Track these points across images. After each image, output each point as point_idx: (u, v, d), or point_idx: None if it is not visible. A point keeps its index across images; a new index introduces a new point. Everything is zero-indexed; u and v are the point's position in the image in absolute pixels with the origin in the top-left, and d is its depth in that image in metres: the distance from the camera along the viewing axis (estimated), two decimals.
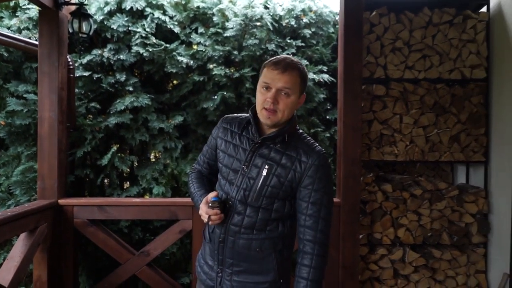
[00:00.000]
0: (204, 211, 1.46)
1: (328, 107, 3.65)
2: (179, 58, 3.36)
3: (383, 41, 3.13)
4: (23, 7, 3.45)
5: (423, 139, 3.13)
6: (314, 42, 3.70)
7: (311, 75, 3.45)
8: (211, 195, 1.46)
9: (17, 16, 3.46)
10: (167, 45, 3.38)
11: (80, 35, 2.94)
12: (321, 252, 1.46)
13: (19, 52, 3.37)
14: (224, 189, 1.53)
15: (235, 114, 1.62)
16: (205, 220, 1.46)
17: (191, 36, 3.49)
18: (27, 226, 2.54)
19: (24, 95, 3.24)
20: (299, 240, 1.50)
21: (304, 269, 1.45)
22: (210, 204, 1.45)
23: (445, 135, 3.14)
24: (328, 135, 3.49)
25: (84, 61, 3.30)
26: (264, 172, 1.46)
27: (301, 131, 1.56)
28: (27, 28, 3.40)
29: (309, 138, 1.54)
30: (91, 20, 2.99)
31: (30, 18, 3.43)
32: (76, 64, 3.30)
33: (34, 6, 3.38)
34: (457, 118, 3.14)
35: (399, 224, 3.08)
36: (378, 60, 3.13)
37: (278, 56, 1.48)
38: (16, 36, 3.12)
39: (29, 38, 3.27)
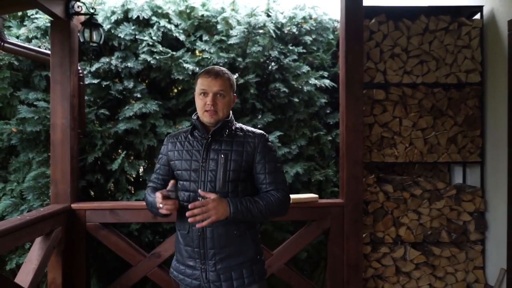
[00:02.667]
0: (159, 200, 1.61)
1: (329, 111, 3.78)
2: (185, 65, 3.46)
3: (382, 47, 3.26)
4: (31, 16, 3.54)
5: (422, 141, 3.26)
6: (315, 48, 3.83)
7: (312, 81, 3.57)
8: (170, 185, 1.63)
9: (25, 25, 3.54)
10: (173, 53, 3.48)
11: (91, 44, 3.03)
12: (282, 197, 1.71)
13: (29, 60, 3.45)
14: (190, 188, 1.70)
15: (176, 131, 1.88)
16: (164, 209, 1.61)
17: (196, 43, 3.60)
18: (43, 230, 2.62)
19: (35, 103, 3.33)
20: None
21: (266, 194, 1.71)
22: (169, 193, 1.61)
23: (442, 137, 3.27)
24: (330, 138, 3.61)
25: (93, 69, 3.39)
26: (222, 161, 1.68)
27: (240, 124, 1.82)
28: (36, 37, 3.49)
29: (248, 127, 1.81)
30: (101, 30, 3.09)
31: (38, 27, 3.51)
32: (85, 72, 3.39)
33: (42, 16, 3.47)
34: (453, 121, 3.28)
35: (400, 223, 3.20)
36: (377, 66, 3.26)
37: (207, 67, 1.76)
38: (27, 45, 3.21)
39: (39, 47, 3.35)
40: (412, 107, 3.27)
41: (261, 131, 1.79)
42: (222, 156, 1.68)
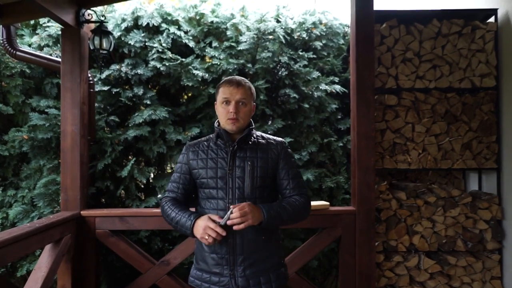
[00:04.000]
0: (213, 229, 1.60)
1: (340, 117, 3.73)
2: (195, 72, 3.45)
3: (394, 52, 3.21)
4: (43, 25, 3.58)
5: (436, 147, 3.19)
6: (325, 53, 3.80)
7: (323, 86, 3.53)
8: (216, 218, 1.64)
9: (37, 34, 3.58)
10: (183, 59, 3.48)
11: (101, 51, 3.04)
12: (306, 201, 1.78)
13: (40, 68, 3.49)
14: (218, 196, 1.72)
15: (195, 140, 1.87)
16: (209, 241, 1.61)
17: (206, 50, 3.60)
18: (53, 237, 2.62)
19: (46, 110, 3.35)
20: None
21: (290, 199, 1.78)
22: (220, 222, 1.61)
23: (457, 143, 3.19)
24: (341, 144, 3.56)
25: (103, 76, 3.41)
26: (249, 168, 1.72)
27: (260, 132, 1.88)
28: (48, 45, 3.53)
29: (268, 134, 1.88)
30: (111, 37, 3.11)
31: (50, 36, 3.55)
32: (95, 79, 3.41)
33: (54, 24, 3.51)
34: (468, 126, 3.20)
35: (413, 231, 3.12)
36: (389, 71, 3.21)
37: (229, 77, 1.79)
38: (39, 53, 3.24)
39: (50, 55, 3.38)
40: (425, 112, 3.20)
41: (281, 139, 1.86)
42: (249, 163, 1.72)
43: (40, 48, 3.52)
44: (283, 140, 1.86)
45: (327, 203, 3.01)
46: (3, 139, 3.39)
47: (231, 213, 1.60)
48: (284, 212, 1.70)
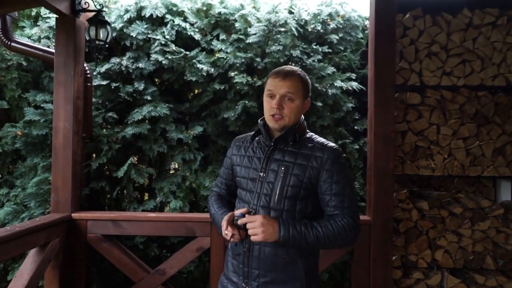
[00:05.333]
0: (224, 227, 1.50)
1: (357, 117, 3.42)
2: (199, 66, 3.21)
3: (418, 45, 2.88)
4: (44, 16, 3.41)
5: (463, 152, 2.85)
6: (342, 48, 3.49)
7: (338, 83, 3.24)
8: (238, 212, 1.49)
9: (38, 26, 3.42)
10: (187, 53, 3.25)
11: (97, 42, 2.84)
12: (347, 225, 1.45)
13: (39, 61, 3.32)
14: (245, 199, 1.56)
15: (244, 134, 1.73)
16: (228, 237, 1.49)
17: (212, 43, 3.35)
18: (37, 242, 2.42)
19: (42, 105, 3.17)
20: None
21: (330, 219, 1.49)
22: (235, 218, 1.48)
23: (488, 147, 2.84)
24: (357, 147, 3.25)
25: (102, 69, 3.21)
26: (282, 174, 1.50)
27: (312, 133, 1.63)
28: (47, 37, 3.35)
29: (320, 138, 1.62)
30: (108, 27, 2.90)
31: (50, 27, 3.38)
32: (94, 73, 3.21)
33: (55, 16, 3.33)
34: (501, 129, 2.85)
35: (436, 246, 2.79)
36: (412, 66, 2.88)
37: (279, 67, 1.59)
38: (34, 44, 3.06)
39: (48, 47, 3.20)
40: (452, 113, 2.86)
41: (333, 145, 1.58)
42: (283, 168, 1.51)
43: (40, 40, 3.35)
44: (335, 146, 1.56)
45: None
46: None
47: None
48: (311, 233, 1.43)
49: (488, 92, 2.87)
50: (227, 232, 1.48)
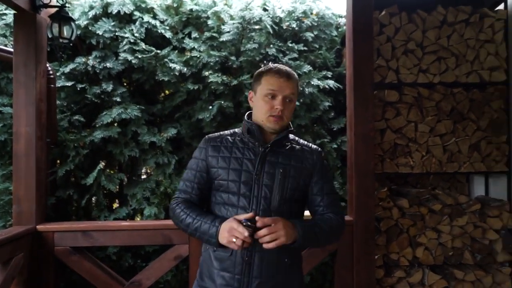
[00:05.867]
0: (241, 232, 1.30)
1: (333, 116, 3.38)
2: (171, 65, 3.08)
3: (395, 42, 2.87)
4: None
5: (441, 149, 2.86)
6: (317, 46, 3.45)
7: (315, 81, 3.19)
8: (243, 217, 1.34)
9: None
10: (158, 51, 3.10)
11: (61, 40, 2.64)
12: (340, 222, 1.51)
13: None
14: (238, 203, 1.44)
15: (216, 133, 1.58)
16: (237, 244, 1.31)
17: (184, 41, 3.22)
18: (0, 258, 2.21)
19: (0, 109, 2.93)
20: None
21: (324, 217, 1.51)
22: (248, 223, 1.32)
23: (464, 143, 2.87)
24: (335, 146, 3.21)
25: (67, 70, 3.01)
26: (280, 176, 1.45)
27: (291, 134, 1.58)
28: (4, 36, 3.11)
29: (301, 139, 1.62)
30: (73, 24, 2.70)
31: (7, 25, 3.14)
32: (57, 74, 3.01)
33: (12, 12, 3.08)
34: (476, 125, 2.88)
35: (417, 243, 2.79)
36: (389, 63, 2.87)
37: (275, 65, 1.51)
38: None
39: (5, 45, 2.97)
40: (429, 110, 2.87)
41: (316, 146, 1.62)
42: (281, 170, 1.46)
43: None
44: (319, 148, 1.60)
45: None
46: None
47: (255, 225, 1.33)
48: (321, 232, 1.43)
49: (462, 89, 2.90)
50: (246, 238, 1.31)
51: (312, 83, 3.17)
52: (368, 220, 2.62)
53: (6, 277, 2.23)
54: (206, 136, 1.57)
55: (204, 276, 1.49)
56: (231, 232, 1.32)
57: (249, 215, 1.36)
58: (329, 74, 3.30)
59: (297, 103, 3.16)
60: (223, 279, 1.42)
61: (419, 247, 2.79)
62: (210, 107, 3.09)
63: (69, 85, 2.99)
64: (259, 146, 1.47)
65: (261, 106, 1.47)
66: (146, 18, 3.16)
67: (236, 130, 1.58)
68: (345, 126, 3.29)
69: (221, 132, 1.57)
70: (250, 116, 1.55)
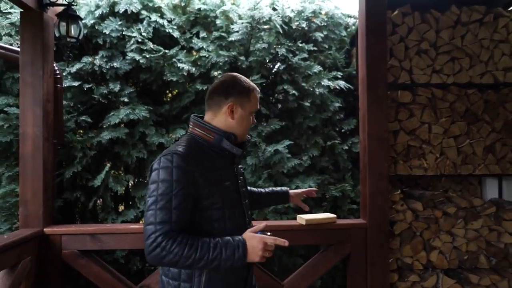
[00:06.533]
0: (272, 240, 1.33)
1: (343, 117, 3.33)
2: (180, 65, 3.02)
3: (408, 42, 2.82)
4: (4, 11, 3.11)
5: (455, 151, 2.81)
6: (326, 46, 3.40)
7: (325, 82, 3.13)
8: (261, 228, 1.37)
9: None
10: (166, 51, 3.04)
11: (68, 39, 2.59)
12: None
13: (0, 61, 3.01)
14: (237, 215, 1.44)
15: (181, 148, 1.36)
16: (266, 253, 1.33)
17: (192, 41, 3.16)
18: (7, 263, 2.16)
19: (5, 109, 2.87)
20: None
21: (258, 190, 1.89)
22: (268, 234, 1.35)
23: (478, 145, 2.82)
24: (346, 147, 3.15)
25: (73, 69, 2.95)
26: (242, 178, 1.56)
27: None
28: (9, 35, 3.06)
29: None
30: (80, 23, 2.65)
31: (12, 24, 3.10)
32: (64, 74, 2.95)
33: (18, 10, 3.03)
34: (491, 127, 2.83)
35: (431, 247, 2.74)
36: (402, 64, 2.82)
37: (249, 80, 1.51)
38: None
39: (11, 44, 2.91)
40: (443, 111, 2.82)
41: None
42: (242, 171, 1.60)
43: (1, 38, 3.05)
44: None
45: (334, 215, 2.60)
46: None
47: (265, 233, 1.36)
48: None
49: (477, 90, 2.85)
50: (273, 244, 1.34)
51: (323, 83, 3.12)
52: (383, 223, 2.57)
53: (13, 281, 2.18)
54: (177, 154, 1.33)
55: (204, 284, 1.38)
56: (265, 247, 1.30)
57: (262, 226, 1.36)
58: (339, 74, 3.25)
59: (307, 103, 3.12)
60: (228, 285, 1.42)
61: (433, 250, 2.73)
62: None
63: (76, 85, 2.93)
64: (229, 155, 1.45)
65: (248, 122, 1.48)
66: (154, 17, 3.10)
67: (189, 141, 1.42)
68: (355, 128, 3.25)
69: (188, 149, 1.37)
70: (204, 123, 1.44)
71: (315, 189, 2.11)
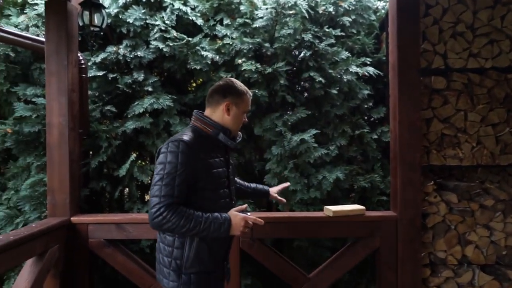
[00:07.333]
0: (253, 219, 1.68)
1: (370, 105, 3.20)
2: (203, 53, 2.97)
3: (442, 25, 2.65)
4: (31, 2, 3.14)
5: (493, 139, 2.64)
6: (354, 31, 3.27)
7: (353, 68, 3.01)
8: (243, 208, 1.72)
9: (25, 13, 3.14)
10: (189, 39, 2.99)
11: (92, 28, 2.58)
12: None
13: (28, 52, 3.06)
14: (224, 195, 1.74)
15: (186, 137, 1.63)
16: (248, 231, 1.69)
17: (216, 28, 3.10)
18: (35, 251, 2.18)
19: (33, 99, 2.91)
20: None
21: (244, 183, 2.23)
22: (248, 213, 1.70)
23: None
24: (375, 136, 3.03)
25: (98, 59, 2.95)
26: (233, 165, 1.91)
27: None
28: (36, 26, 3.08)
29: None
30: (103, 11, 2.64)
31: (39, 15, 3.11)
32: (89, 63, 2.95)
33: (43, 2, 3.05)
34: None
35: (466, 241, 2.59)
36: (436, 48, 2.65)
37: (243, 85, 1.81)
38: (22, 33, 2.79)
39: (37, 35, 2.94)
40: (480, 97, 2.65)
41: None
42: (232, 162, 1.86)
43: (28, 29, 3.07)
44: None
45: (363, 207, 2.51)
46: None
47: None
48: None
49: None
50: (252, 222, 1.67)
51: (351, 70, 3.00)
52: (414, 216, 2.46)
53: (41, 269, 2.21)
54: (183, 141, 1.60)
55: (196, 262, 1.66)
56: (246, 224, 1.64)
57: (244, 207, 1.71)
58: (368, 60, 3.11)
59: (335, 91, 3.01)
60: (208, 249, 1.68)
61: (469, 245, 2.59)
62: None
63: (101, 74, 2.93)
64: (225, 147, 1.75)
65: (240, 120, 1.79)
66: (177, 5, 3.05)
67: (192, 132, 1.69)
68: (384, 116, 3.12)
69: (189, 134, 1.66)
70: (205, 117, 1.74)
71: (287, 183, 2.39)
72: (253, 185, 2.25)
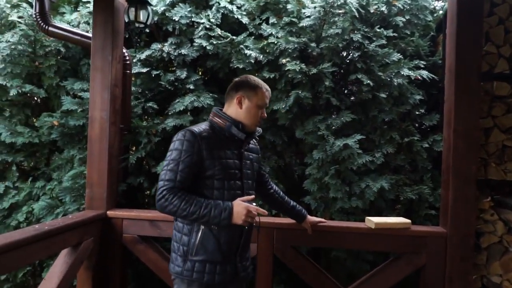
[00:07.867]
0: (255, 209, 1.65)
1: (424, 112, 2.97)
2: (247, 52, 2.90)
3: (508, 25, 2.41)
4: (84, 0, 3.24)
5: None
6: (408, 32, 3.07)
7: (405, 72, 2.82)
8: (249, 198, 1.69)
9: (78, 11, 3.24)
10: (234, 37, 2.94)
11: (137, 24, 2.59)
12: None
13: (78, 48, 3.15)
14: (235, 186, 1.72)
15: (195, 128, 1.69)
16: (252, 221, 1.68)
17: (261, 27, 3.03)
18: (69, 242, 2.21)
19: (80, 94, 2.99)
20: (267, 188, 2.09)
21: (285, 197, 2.14)
22: (254, 204, 1.68)
23: None
24: (426, 145, 2.81)
25: (143, 56, 2.97)
26: (251, 162, 1.85)
27: None
28: (87, 23, 3.17)
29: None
30: (149, 8, 2.65)
31: (90, 13, 3.19)
32: (134, 60, 2.98)
33: None
34: None
35: None
36: (500, 50, 2.42)
37: (261, 81, 1.79)
38: (72, 29, 2.87)
39: (87, 31, 3.01)
40: None
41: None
42: (251, 157, 1.86)
43: (79, 25, 3.17)
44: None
45: (408, 221, 2.31)
46: (35, 126, 3.07)
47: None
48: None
49: None
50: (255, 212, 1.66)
51: (402, 73, 2.80)
52: (467, 234, 2.22)
53: (75, 260, 2.23)
54: (189, 130, 1.66)
55: (201, 250, 1.67)
56: (248, 213, 1.61)
57: (250, 198, 1.69)
58: (422, 63, 2.90)
59: (383, 95, 2.83)
60: (217, 243, 1.67)
61: None
62: (287, 97, 2.86)
63: (144, 71, 2.95)
64: (238, 140, 1.73)
65: (255, 113, 1.76)
66: (223, 3, 3.02)
67: (207, 125, 1.73)
68: (438, 124, 2.89)
69: (201, 129, 1.68)
70: (220, 112, 1.77)
71: (325, 220, 2.29)
72: (293, 203, 2.17)
